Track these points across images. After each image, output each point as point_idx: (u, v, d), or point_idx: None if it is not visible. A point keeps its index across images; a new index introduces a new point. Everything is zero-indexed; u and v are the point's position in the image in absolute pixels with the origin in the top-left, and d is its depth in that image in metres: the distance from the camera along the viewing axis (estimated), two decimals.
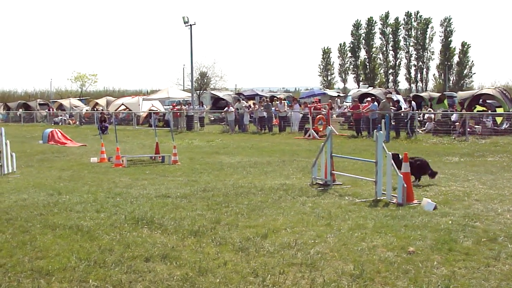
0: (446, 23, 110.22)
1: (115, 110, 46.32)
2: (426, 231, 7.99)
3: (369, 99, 32.56)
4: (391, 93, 35.36)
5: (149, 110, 43.05)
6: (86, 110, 52.95)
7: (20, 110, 56.40)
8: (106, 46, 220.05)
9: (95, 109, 51.90)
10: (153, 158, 18.93)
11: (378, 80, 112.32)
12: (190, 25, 44.85)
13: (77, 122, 48.03)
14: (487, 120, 27.82)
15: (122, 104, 47.21)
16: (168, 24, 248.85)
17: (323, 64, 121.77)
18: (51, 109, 55.04)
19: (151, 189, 12.21)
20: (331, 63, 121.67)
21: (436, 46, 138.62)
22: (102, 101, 54.46)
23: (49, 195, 11.52)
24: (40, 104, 60.30)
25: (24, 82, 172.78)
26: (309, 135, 28.36)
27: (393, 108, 28.03)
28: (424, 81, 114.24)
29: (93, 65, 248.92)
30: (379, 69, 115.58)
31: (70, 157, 20.02)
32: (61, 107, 56.88)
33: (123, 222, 8.74)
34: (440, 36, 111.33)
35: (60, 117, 50.89)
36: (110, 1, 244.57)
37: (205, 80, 61.36)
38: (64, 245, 7.40)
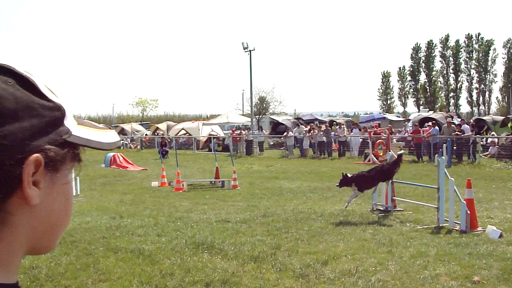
0: (509, 45, 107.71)
1: (176, 135, 46.99)
2: (491, 260, 7.70)
3: (430, 123, 31.97)
4: (452, 117, 34.66)
5: (209, 135, 43.48)
6: (147, 135, 53.90)
7: None
8: (167, 72, 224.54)
9: (155, 133, 52.78)
10: (213, 182, 19.05)
11: (439, 104, 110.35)
12: (250, 50, 45.32)
13: (138, 146, 48.91)
14: None
15: (182, 129, 47.86)
16: (227, 49, 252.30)
17: (382, 88, 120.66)
18: None
19: (211, 213, 12.26)
20: (391, 87, 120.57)
21: (499, 68, 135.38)
22: (162, 126, 55.35)
23: (112, 218, 11.71)
24: None
25: (88, 107, 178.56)
26: (369, 160, 27.97)
27: (456, 132, 27.42)
28: (486, 104, 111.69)
29: (154, 90, 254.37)
30: (440, 92, 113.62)
31: (132, 181, 20.37)
32: (122, 131, 58.12)
33: (184, 246, 8.78)
34: (503, 58, 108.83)
35: (121, 141, 51.96)
36: (170, 28, 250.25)
37: (264, 105, 61.60)
38: (126, 268, 7.48)
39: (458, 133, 27.35)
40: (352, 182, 12.12)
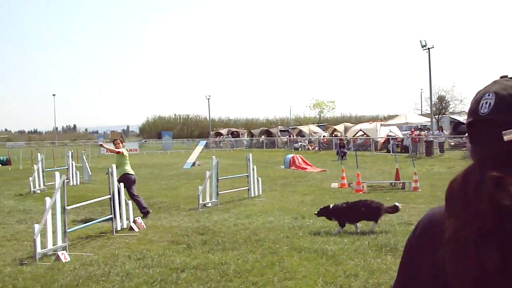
0: None
1: (353, 136, 46.85)
2: None
3: None
4: None
5: (387, 136, 42.74)
6: (325, 136, 54.30)
7: (263, 136, 59.93)
8: (344, 73, 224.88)
9: (333, 135, 53.00)
10: (393, 184, 18.67)
11: None
12: (428, 48, 43.72)
13: (316, 148, 49.43)
14: None
15: (360, 130, 47.62)
16: (405, 48, 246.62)
17: None
18: (291, 135, 57.57)
19: (392, 216, 12.00)
20: None
21: None
22: (340, 127, 55.46)
23: (294, 218, 11.95)
24: (281, 131, 63.49)
25: (266, 110, 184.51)
26: None
27: None
28: None
29: (331, 92, 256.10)
30: None
31: (311, 182, 20.62)
32: (300, 133, 59.16)
33: (367, 248, 8.69)
34: None
35: (299, 143, 52.92)
36: (346, 29, 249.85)
37: (444, 104, 59.13)
38: (310, 268, 7.56)
39: None
40: (332, 216, 10.74)
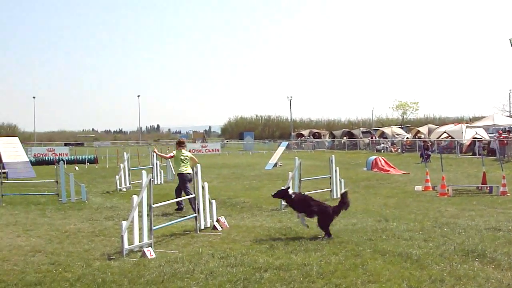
0: None
1: (437, 138, 45.74)
2: None
3: None
4: None
5: (473, 138, 41.46)
6: (408, 138, 53.31)
7: (345, 138, 59.46)
8: (428, 74, 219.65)
9: (416, 137, 51.92)
10: (480, 188, 18.11)
11: None
12: None
13: (399, 150, 48.59)
14: None
15: (445, 132, 46.44)
16: (492, 47, 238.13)
17: None
18: (373, 137, 56.84)
19: (479, 220, 11.71)
20: None
21: None
22: (423, 129, 54.25)
23: (377, 221, 11.86)
24: (363, 132, 62.81)
25: (348, 111, 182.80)
26: None
27: None
28: None
29: (414, 93, 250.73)
30: None
31: (394, 185, 20.34)
32: (383, 135, 58.34)
33: (453, 253, 8.53)
34: None
35: (382, 145, 52.19)
36: (430, 28, 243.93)
37: None
38: (394, 271, 7.49)
39: None
40: (282, 196, 11.12)
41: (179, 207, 14.34)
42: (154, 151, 19.74)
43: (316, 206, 10.32)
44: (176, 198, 13.99)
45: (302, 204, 10.52)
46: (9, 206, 15.74)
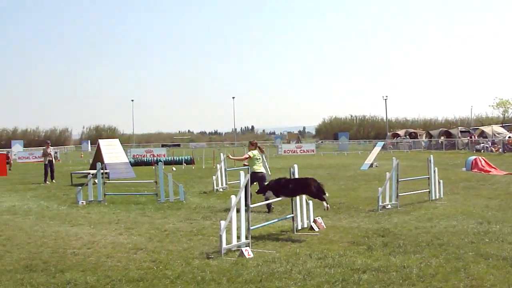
0: None
1: None
2: None
3: None
4: None
5: None
6: (510, 137, 51.14)
7: (442, 137, 57.78)
8: None
9: None
10: None
11: None
12: None
13: (500, 150, 46.70)
14: None
15: None
16: None
17: None
18: (472, 136, 54.91)
19: None
20: None
21: None
22: None
23: (478, 223, 11.45)
24: (461, 132, 60.86)
25: (445, 110, 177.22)
26: None
27: None
28: None
29: None
30: None
31: (496, 186, 19.56)
32: (482, 134, 56.27)
33: None
34: None
35: (481, 145, 50.35)
36: None
37: None
38: (499, 276, 7.22)
39: None
40: (266, 190, 11.80)
41: (269, 208, 14.44)
42: (228, 156, 20.13)
43: (307, 185, 10.95)
44: (264, 198, 13.59)
45: (297, 187, 11.03)
46: (111, 205, 16.46)
